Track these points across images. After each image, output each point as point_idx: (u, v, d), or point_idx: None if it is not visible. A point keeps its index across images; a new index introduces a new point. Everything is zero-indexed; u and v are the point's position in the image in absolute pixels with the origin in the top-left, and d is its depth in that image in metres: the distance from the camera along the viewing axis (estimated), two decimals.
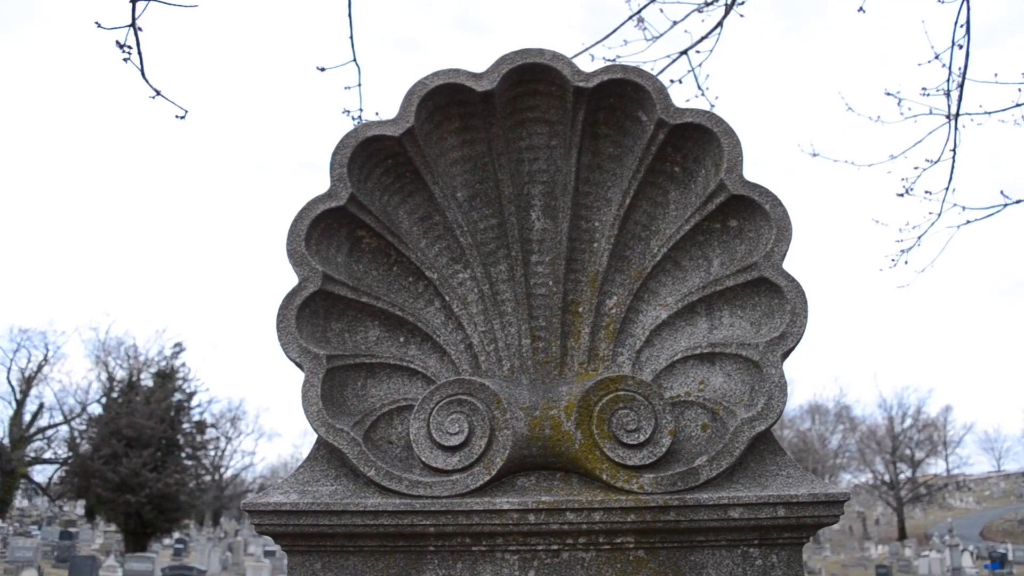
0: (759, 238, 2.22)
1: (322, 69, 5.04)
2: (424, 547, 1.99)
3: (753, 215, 2.24)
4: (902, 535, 53.16)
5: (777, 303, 2.15)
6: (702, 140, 2.27)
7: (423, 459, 2.01)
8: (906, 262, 5.80)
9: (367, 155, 2.27)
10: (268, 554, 28.79)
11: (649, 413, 2.02)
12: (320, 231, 2.22)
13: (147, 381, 39.09)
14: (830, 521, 1.98)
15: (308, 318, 2.15)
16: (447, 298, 2.27)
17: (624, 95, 2.30)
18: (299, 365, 2.09)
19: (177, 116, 3.46)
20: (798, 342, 2.08)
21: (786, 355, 2.10)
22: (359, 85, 5.32)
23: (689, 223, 2.28)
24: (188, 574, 20.70)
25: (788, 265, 2.17)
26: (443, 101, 2.28)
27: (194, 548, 32.03)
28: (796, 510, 1.95)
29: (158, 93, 3.35)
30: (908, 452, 58.61)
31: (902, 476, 57.76)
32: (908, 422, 59.80)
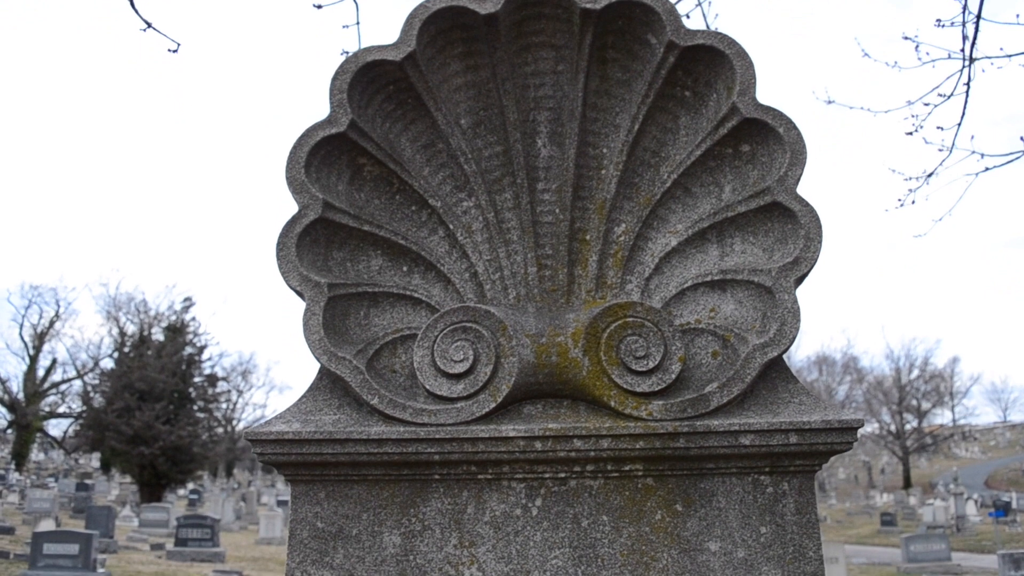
0: (772, 163, 2.15)
1: (319, 7, 4.98)
2: (429, 475, 1.97)
3: (766, 139, 2.16)
4: (907, 484, 53.60)
5: (791, 228, 2.09)
6: (714, 63, 2.19)
7: (427, 387, 1.97)
8: (913, 201, 5.70)
9: (367, 81, 2.20)
10: (281, 504, 29.25)
11: (658, 340, 1.97)
12: (320, 158, 2.16)
13: (158, 335, 39.37)
14: (843, 448, 1.94)
15: (309, 247, 2.10)
16: (451, 226, 2.21)
17: (633, 17, 2.22)
18: (300, 294, 2.04)
19: (170, 49, 3.37)
20: (812, 267, 2.03)
21: (800, 281, 2.04)
22: (357, 24, 5.24)
23: (700, 148, 2.21)
24: (203, 523, 21.00)
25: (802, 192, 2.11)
26: (445, 25, 2.20)
27: (208, 498, 32.57)
28: (808, 437, 1.92)
29: (149, 25, 3.26)
30: (915, 403, 58.83)
31: (908, 426, 58.05)
32: (915, 373, 59.93)
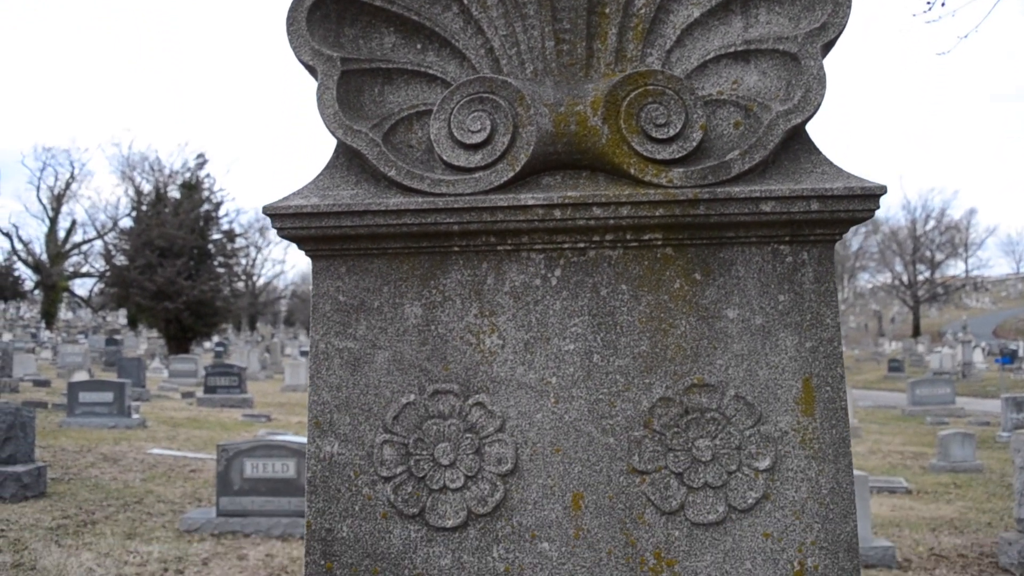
0: None
1: None
2: (448, 247, 1.98)
3: None
4: (916, 333, 54.40)
5: None
6: None
7: (444, 158, 1.95)
8: (943, 3, 5.43)
9: None
10: (303, 354, 30.13)
11: (679, 107, 1.92)
12: None
13: (174, 193, 39.51)
14: (864, 215, 1.93)
15: (319, 22, 2.03)
16: (465, 2, 2.12)
17: None
18: (312, 70, 1.99)
19: None
20: (840, 33, 1.95)
21: (827, 49, 1.96)
22: None
23: None
24: (230, 371, 21.75)
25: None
26: None
27: (234, 350, 33.59)
28: (830, 204, 1.90)
29: None
30: (928, 254, 58.86)
31: (920, 277, 58.29)
32: (931, 224, 59.64)
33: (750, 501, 1.90)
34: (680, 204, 1.89)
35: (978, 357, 38.73)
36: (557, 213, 1.90)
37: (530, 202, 1.89)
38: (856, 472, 8.69)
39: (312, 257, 2.03)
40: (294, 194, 2.01)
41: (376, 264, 2.00)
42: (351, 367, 1.99)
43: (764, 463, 1.91)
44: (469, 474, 1.93)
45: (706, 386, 1.93)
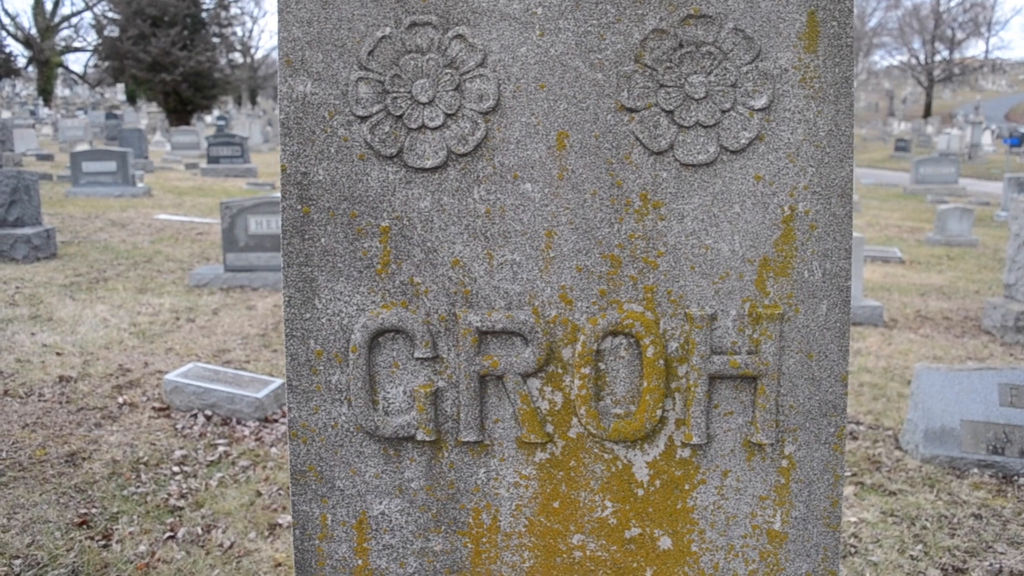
0: None
1: None
2: None
3: None
4: (927, 113, 53.05)
5: None
6: None
7: None
8: None
9: None
10: None
11: None
12: None
13: None
14: None
15: None
16: None
17: None
18: None
19: None
20: None
21: None
22: None
23: None
24: (232, 140, 21.46)
25: None
26: None
27: (236, 124, 33.06)
28: None
29: None
30: (949, 32, 56.18)
31: (938, 57, 56.06)
32: (956, 0, 56.45)
33: (743, 142, 1.82)
34: None
35: (987, 139, 38.02)
36: None
37: None
38: (854, 234, 8.73)
39: None
40: None
41: None
42: None
43: (760, 102, 1.81)
44: (449, 112, 1.83)
45: (703, 17, 1.79)
